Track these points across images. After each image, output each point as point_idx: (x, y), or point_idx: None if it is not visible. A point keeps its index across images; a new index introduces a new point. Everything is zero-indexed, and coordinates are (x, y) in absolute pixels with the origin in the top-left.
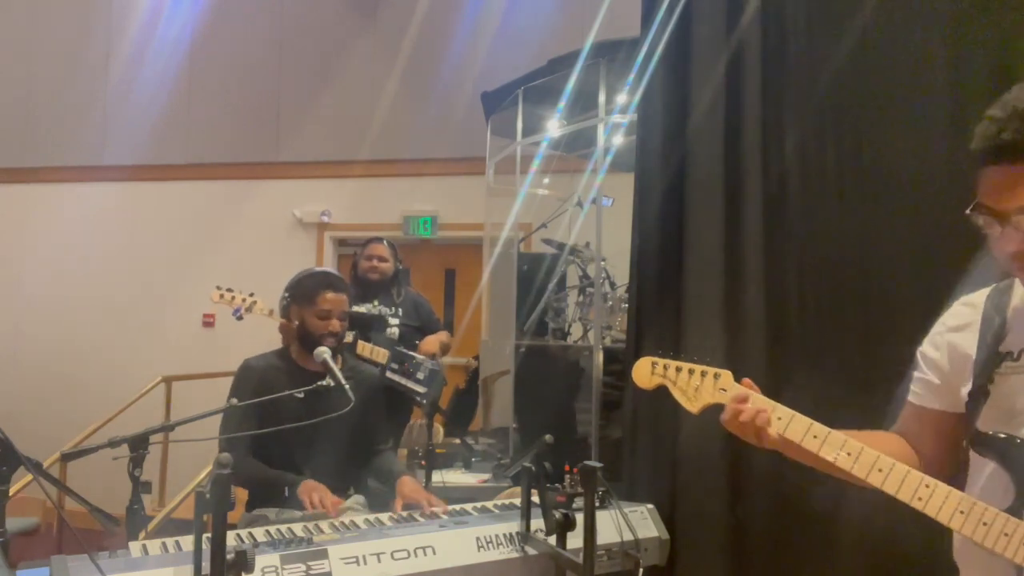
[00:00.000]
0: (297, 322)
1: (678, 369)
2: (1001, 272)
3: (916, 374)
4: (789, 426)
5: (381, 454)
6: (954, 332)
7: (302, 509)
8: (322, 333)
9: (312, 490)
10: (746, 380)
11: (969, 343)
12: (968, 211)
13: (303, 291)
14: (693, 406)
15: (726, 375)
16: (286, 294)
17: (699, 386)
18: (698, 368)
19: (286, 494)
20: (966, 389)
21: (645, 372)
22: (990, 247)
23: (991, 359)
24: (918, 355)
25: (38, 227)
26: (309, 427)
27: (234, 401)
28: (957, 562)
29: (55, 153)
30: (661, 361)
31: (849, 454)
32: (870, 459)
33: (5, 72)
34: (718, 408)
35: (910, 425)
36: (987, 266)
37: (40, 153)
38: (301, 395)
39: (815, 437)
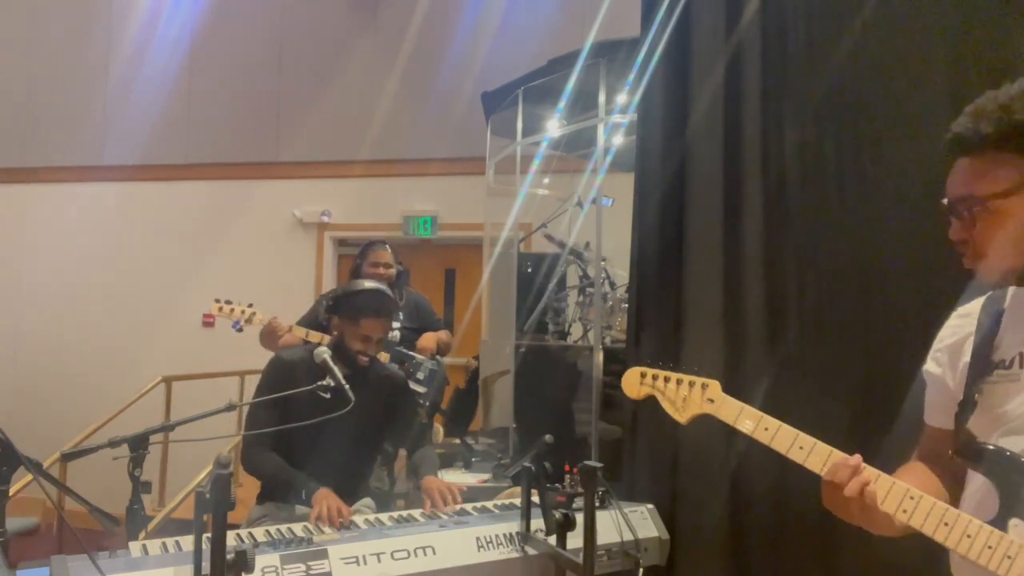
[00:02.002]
0: (335, 332)
1: (666, 379)
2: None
3: (926, 395)
4: (775, 437)
5: (422, 447)
6: (953, 346)
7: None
8: (358, 351)
9: (324, 500)
10: (858, 456)
11: (966, 355)
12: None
13: (350, 308)
14: (681, 416)
15: (714, 385)
16: (330, 301)
17: (687, 396)
18: (686, 378)
19: (303, 496)
20: (958, 399)
21: (634, 382)
22: None
23: (984, 368)
24: (923, 374)
25: (38, 227)
26: (329, 427)
27: (233, 400)
28: (952, 572)
29: (55, 153)
30: (650, 371)
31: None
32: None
33: (5, 72)
34: (709, 416)
35: (929, 445)
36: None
37: (40, 153)
38: (327, 394)
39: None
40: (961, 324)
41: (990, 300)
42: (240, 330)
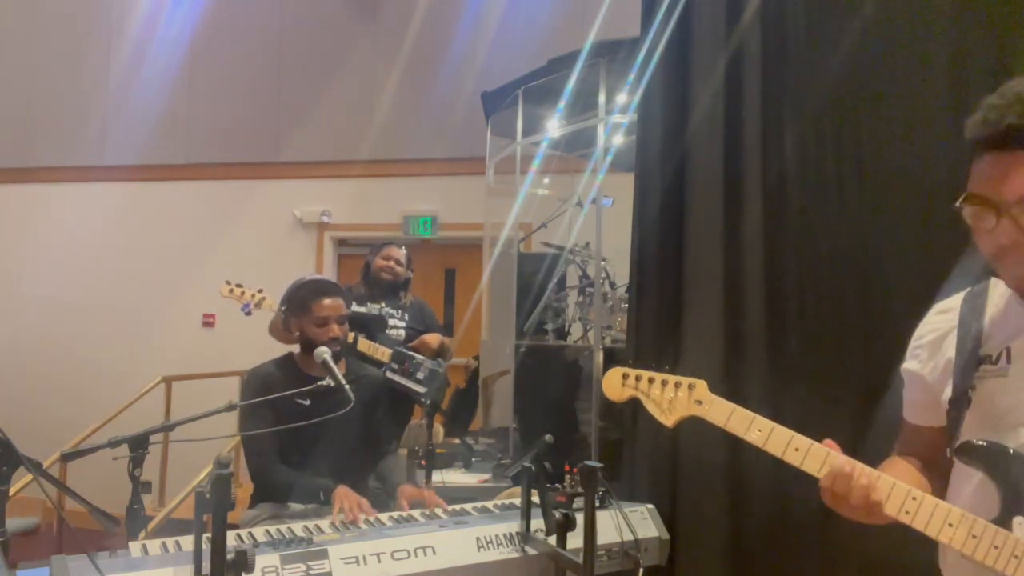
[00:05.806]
0: (297, 332)
1: (651, 380)
2: (977, 275)
3: (904, 393)
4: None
5: (385, 457)
6: (933, 343)
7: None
8: (323, 340)
9: (345, 497)
10: (828, 441)
11: (949, 351)
12: (959, 202)
13: (298, 301)
14: (667, 419)
15: (701, 385)
16: (282, 307)
17: (673, 398)
18: (671, 379)
19: (321, 499)
20: (946, 397)
21: (616, 384)
22: (976, 241)
23: (970, 364)
24: (901, 372)
25: (38, 227)
26: (316, 431)
27: (233, 400)
28: (942, 570)
29: (55, 153)
30: (632, 372)
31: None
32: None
33: (5, 72)
34: (695, 419)
35: (910, 442)
36: (962, 271)
37: (40, 153)
38: (307, 401)
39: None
40: (941, 320)
41: (971, 295)
42: (249, 313)
